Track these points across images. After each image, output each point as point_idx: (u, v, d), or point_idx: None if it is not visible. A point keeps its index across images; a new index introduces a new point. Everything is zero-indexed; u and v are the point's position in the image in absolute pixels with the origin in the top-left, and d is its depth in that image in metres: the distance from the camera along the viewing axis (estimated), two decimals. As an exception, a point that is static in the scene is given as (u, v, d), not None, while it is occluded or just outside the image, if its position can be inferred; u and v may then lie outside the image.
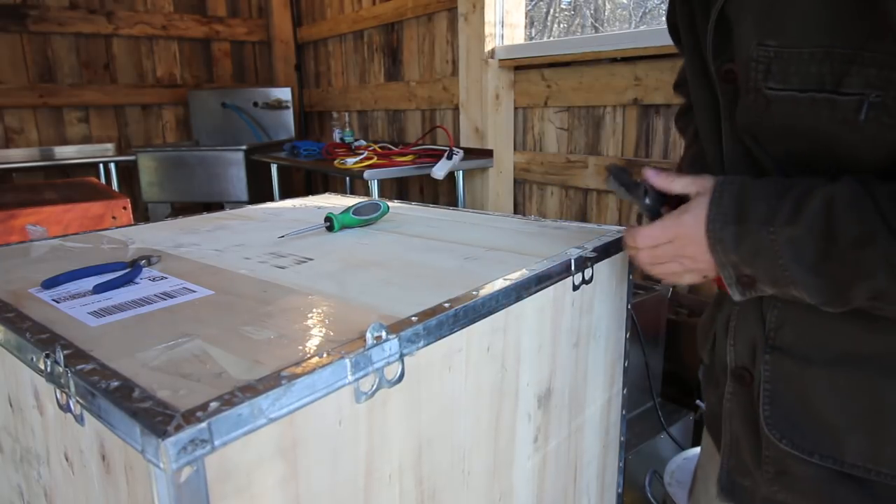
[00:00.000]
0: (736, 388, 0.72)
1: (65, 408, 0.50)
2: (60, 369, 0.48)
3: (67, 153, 3.47)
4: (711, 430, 0.86)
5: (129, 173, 3.60)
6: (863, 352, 0.62)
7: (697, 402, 1.75)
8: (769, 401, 0.67)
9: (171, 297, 0.65)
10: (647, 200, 0.73)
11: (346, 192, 2.87)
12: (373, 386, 0.52)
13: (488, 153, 2.54)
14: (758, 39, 0.59)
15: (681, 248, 0.68)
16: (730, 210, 0.62)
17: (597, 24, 7.08)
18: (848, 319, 0.61)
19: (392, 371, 0.53)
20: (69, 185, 2.21)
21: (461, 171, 2.58)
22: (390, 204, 1.12)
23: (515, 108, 2.53)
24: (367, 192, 2.88)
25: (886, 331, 0.60)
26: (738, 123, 0.65)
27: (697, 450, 1.54)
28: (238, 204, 2.61)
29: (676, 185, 0.70)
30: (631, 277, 0.92)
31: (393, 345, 0.53)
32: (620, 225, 0.81)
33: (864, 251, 0.55)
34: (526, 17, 2.58)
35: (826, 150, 0.59)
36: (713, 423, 0.84)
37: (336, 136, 3.31)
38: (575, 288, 0.78)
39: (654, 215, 0.73)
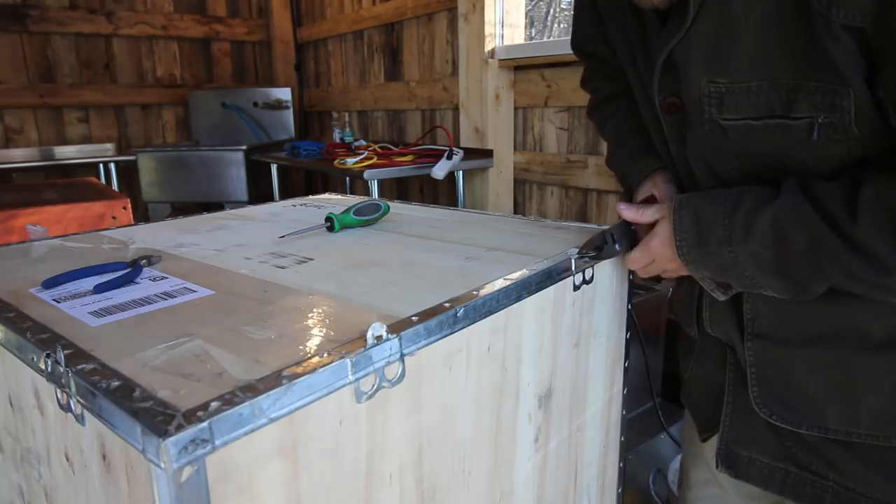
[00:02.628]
0: (734, 357, 0.79)
1: (65, 407, 0.50)
2: (61, 369, 0.48)
3: (67, 153, 3.47)
4: (693, 402, 0.89)
5: (129, 173, 3.60)
6: (830, 332, 0.69)
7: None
8: (756, 382, 0.74)
9: (172, 296, 0.65)
10: (617, 246, 0.80)
11: (346, 192, 2.87)
12: (373, 386, 0.52)
13: (488, 153, 2.54)
14: (708, 77, 0.65)
15: (662, 265, 0.77)
16: (691, 234, 0.69)
17: (597, 24, 7.06)
18: (813, 306, 0.68)
19: (392, 371, 0.53)
20: (69, 185, 2.21)
21: (461, 171, 2.58)
22: (390, 204, 1.12)
23: (515, 108, 2.53)
24: (367, 192, 2.88)
25: (848, 312, 0.67)
26: (689, 150, 0.72)
27: (699, 449, 1.55)
28: (238, 204, 2.61)
29: (645, 216, 0.77)
30: (631, 278, 0.92)
31: (393, 345, 0.53)
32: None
33: (815, 256, 0.61)
34: (526, 17, 2.58)
35: (780, 168, 0.65)
36: (697, 396, 0.88)
37: (336, 136, 3.31)
38: (575, 288, 0.78)
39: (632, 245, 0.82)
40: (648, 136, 0.84)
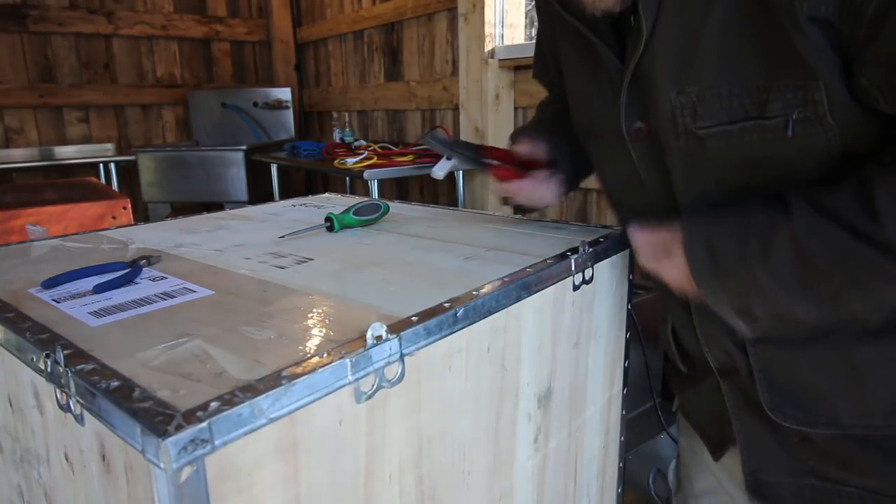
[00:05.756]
0: (729, 384, 0.78)
1: (65, 408, 0.49)
2: (61, 369, 0.48)
3: (67, 153, 3.47)
4: (698, 426, 0.89)
5: (129, 173, 3.60)
6: (827, 326, 0.67)
7: (697, 402, 1.75)
8: (765, 387, 0.72)
9: (172, 297, 0.65)
10: (470, 153, 0.88)
11: (346, 192, 2.87)
12: (373, 386, 0.52)
13: (488, 153, 2.54)
14: (677, 89, 0.64)
15: (682, 287, 0.71)
16: (705, 262, 0.65)
17: (597, 24, 7.05)
18: (806, 301, 0.65)
19: (392, 371, 0.53)
20: (69, 185, 2.20)
21: (461, 171, 2.58)
22: (390, 204, 1.12)
23: (515, 108, 2.53)
24: (367, 192, 2.87)
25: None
26: (670, 169, 0.70)
27: (699, 449, 1.55)
28: (238, 204, 2.61)
29: (663, 265, 0.72)
30: (631, 277, 0.92)
31: (393, 345, 0.53)
32: (620, 225, 0.85)
33: (844, 267, 0.58)
34: (526, 17, 2.58)
35: (761, 171, 0.63)
36: (702, 420, 0.89)
37: (336, 136, 3.31)
38: (575, 288, 0.78)
39: (477, 164, 0.90)
40: (561, 133, 0.89)
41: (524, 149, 0.88)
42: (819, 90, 0.57)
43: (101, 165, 3.46)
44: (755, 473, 0.78)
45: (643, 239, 0.75)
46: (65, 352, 0.49)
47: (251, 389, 0.43)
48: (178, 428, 0.38)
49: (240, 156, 3.19)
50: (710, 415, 0.85)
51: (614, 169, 0.80)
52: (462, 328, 0.60)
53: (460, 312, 0.59)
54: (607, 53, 0.72)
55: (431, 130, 0.92)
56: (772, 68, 0.59)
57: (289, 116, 3.88)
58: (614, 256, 0.86)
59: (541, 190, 0.88)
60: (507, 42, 2.50)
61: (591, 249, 0.80)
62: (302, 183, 4.17)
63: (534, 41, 1.03)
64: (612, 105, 0.72)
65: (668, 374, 0.96)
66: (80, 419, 0.48)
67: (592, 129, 0.83)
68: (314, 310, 0.61)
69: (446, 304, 0.60)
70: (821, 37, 0.55)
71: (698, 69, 0.63)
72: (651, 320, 1.73)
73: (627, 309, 0.92)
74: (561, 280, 0.75)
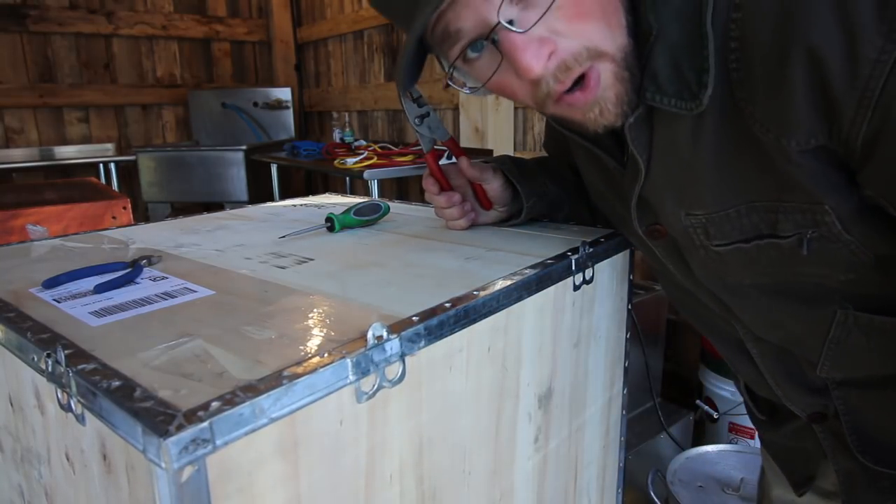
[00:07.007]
0: (821, 427, 0.76)
1: (66, 407, 0.50)
2: (62, 369, 0.48)
3: (67, 153, 3.47)
4: (781, 459, 0.90)
5: (129, 173, 3.60)
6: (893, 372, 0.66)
7: (697, 402, 1.75)
8: (852, 430, 0.71)
9: (172, 296, 0.65)
10: (428, 133, 0.89)
11: (346, 192, 2.87)
12: (374, 386, 0.52)
13: (488, 153, 2.54)
14: (685, 211, 0.64)
15: None
16: None
17: (597, 25, 7.04)
18: (866, 352, 0.65)
19: (393, 371, 0.53)
20: (69, 185, 2.21)
21: (461, 172, 2.57)
22: (390, 204, 1.12)
23: (515, 108, 2.53)
24: (367, 193, 2.88)
25: None
26: (694, 270, 0.71)
27: (700, 449, 1.55)
28: (238, 204, 2.61)
29: None
30: (631, 277, 0.92)
31: (394, 345, 0.53)
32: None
33: None
34: (526, 18, 2.58)
35: (789, 277, 0.63)
36: (785, 458, 0.89)
37: (336, 136, 3.31)
38: (575, 288, 0.78)
39: (427, 144, 0.92)
40: (555, 179, 0.88)
41: (479, 172, 0.87)
42: (827, 213, 0.55)
43: (101, 165, 3.47)
44: None
45: None
46: (66, 351, 0.49)
47: (252, 389, 0.43)
48: (180, 428, 0.38)
49: (240, 156, 3.19)
50: (794, 454, 0.85)
51: (642, 250, 0.80)
52: (462, 328, 0.60)
53: (461, 312, 0.60)
54: (611, 162, 0.72)
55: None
56: (773, 191, 0.57)
57: (289, 116, 3.88)
58: (614, 256, 0.86)
59: (455, 211, 0.90)
60: (507, 42, 2.50)
61: (591, 249, 0.80)
62: (302, 183, 4.17)
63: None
64: (626, 210, 0.72)
65: (748, 410, 0.95)
66: (81, 419, 0.48)
67: (614, 222, 0.84)
68: (315, 310, 0.61)
69: (447, 304, 0.60)
70: (816, 162, 0.54)
71: (700, 197, 0.62)
72: (651, 320, 1.73)
73: (627, 309, 0.92)
74: (561, 280, 0.75)
